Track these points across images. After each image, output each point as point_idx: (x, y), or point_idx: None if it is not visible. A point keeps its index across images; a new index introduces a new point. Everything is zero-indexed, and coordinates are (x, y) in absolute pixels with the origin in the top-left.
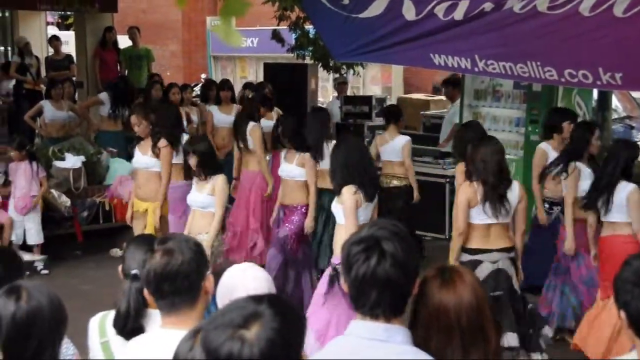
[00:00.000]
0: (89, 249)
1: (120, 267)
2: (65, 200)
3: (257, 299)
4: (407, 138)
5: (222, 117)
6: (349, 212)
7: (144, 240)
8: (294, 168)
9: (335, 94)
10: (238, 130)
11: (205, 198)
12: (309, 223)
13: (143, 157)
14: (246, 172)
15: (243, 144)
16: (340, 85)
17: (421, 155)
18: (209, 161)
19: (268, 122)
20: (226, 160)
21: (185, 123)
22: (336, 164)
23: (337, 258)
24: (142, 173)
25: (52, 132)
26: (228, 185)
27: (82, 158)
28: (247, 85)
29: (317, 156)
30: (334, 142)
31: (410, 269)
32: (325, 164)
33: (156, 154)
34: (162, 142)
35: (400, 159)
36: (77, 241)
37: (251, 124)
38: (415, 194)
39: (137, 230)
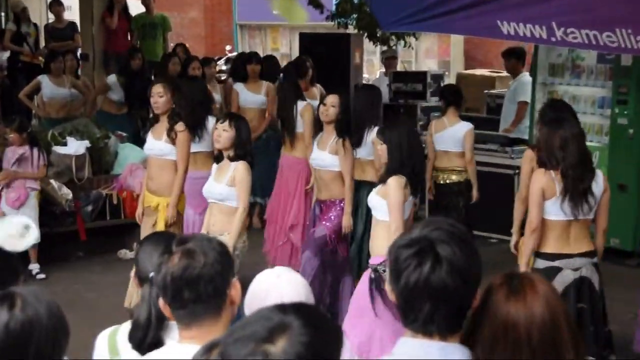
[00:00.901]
0: (93, 250)
1: (133, 271)
2: (66, 193)
3: (283, 308)
4: (469, 125)
5: (250, 96)
6: (396, 207)
7: (162, 238)
8: (327, 156)
9: (383, 69)
10: (284, 110)
11: (222, 189)
12: (346, 221)
13: (157, 143)
14: (289, 158)
15: (289, 127)
16: (389, 60)
17: (485, 142)
18: (244, 141)
19: (311, 102)
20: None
21: None
22: (389, 149)
23: (377, 258)
24: (155, 161)
25: (51, 112)
26: (250, 173)
27: (86, 143)
28: (268, 59)
29: (356, 143)
30: (376, 128)
31: (471, 277)
32: (364, 153)
33: (172, 139)
34: (180, 126)
35: (460, 149)
36: (79, 240)
37: (301, 103)
38: (474, 193)
39: (146, 229)
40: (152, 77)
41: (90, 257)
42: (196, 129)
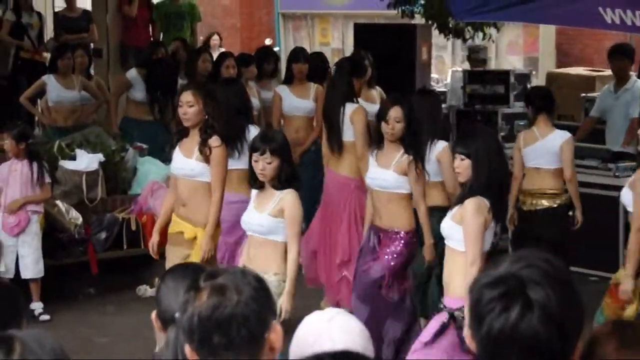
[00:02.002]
0: (107, 286)
1: (154, 312)
2: (75, 217)
3: (335, 358)
4: (567, 135)
5: (296, 102)
6: (473, 235)
7: (188, 271)
8: (391, 176)
9: (457, 68)
10: (330, 115)
11: (265, 220)
12: (429, 254)
13: (187, 161)
14: (336, 175)
15: (336, 136)
16: (476, 61)
17: (582, 157)
18: (289, 166)
19: (369, 106)
20: (301, 163)
21: None
22: (474, 164)
23: (452, 299)
24: (184, 183)
25: (58, 119)
26: (301, 204)
27: (99, 157)
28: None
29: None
30: (441, 143)
31: (569, 326)
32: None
33: (205, 156)
34: (214, 140)
35: (554, 166)
36: (90, 274)
37: (350, 105)
38: (578, 216)
39: (173, 262)
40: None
41: (103, 294)
42: (234, 142)
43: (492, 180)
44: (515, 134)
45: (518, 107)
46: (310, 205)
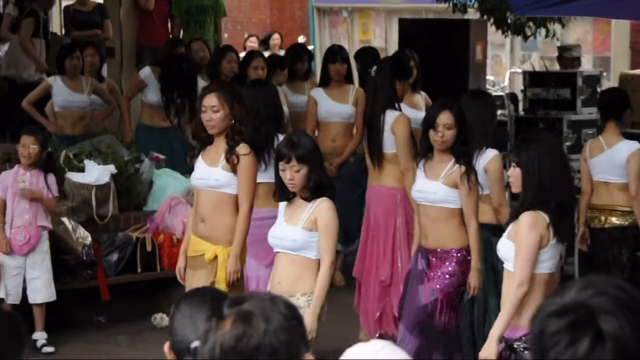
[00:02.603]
0: (119, 314)
1: (167, 344)
2: (83, 236)
3: None
4: (634, 146)
5: (333, 106)
6: (526, 253)
7: (207, 297)
8: (441, 188)
9: (516, 69)
10: (370, 123)
11: (298, 234)
12: (474, 280)
13: (212, 171)
14: (378, 190)
15: (375, 147)
16: (568, 60)
17: None
18: (319, 173)
19: (413, 112)
20: (338, 176)
21: None
22: (524, 173)
23: (511, 328)
24: (206, 195)
25: (64, 126)
26: (336, 214)
27: (110, 168)
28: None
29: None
30: (491, 151)
31: None
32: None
33: (233, 165)
34: (243, 148)
35: (623, 179)
36: (100, 301)
37: (392, 113)
38: None
39: (190, 284)
40: (199, 77)
41: (115, 323)
42: (262, 152)
43: (548, 192)
44: (582, 143)
45: (586, 113)
46: (348, 224)
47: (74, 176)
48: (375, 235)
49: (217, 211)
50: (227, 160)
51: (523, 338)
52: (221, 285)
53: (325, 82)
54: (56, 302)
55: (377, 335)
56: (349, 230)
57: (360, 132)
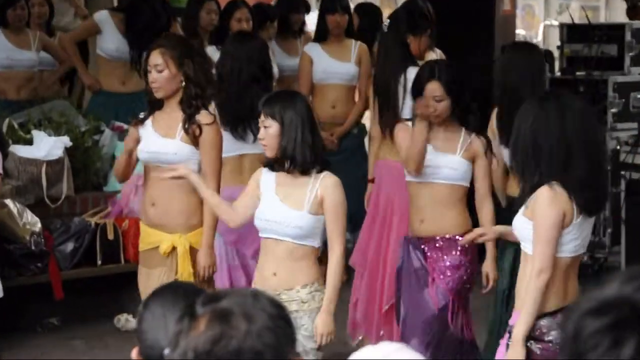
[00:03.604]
0: (75, 315)
1: (135, 349)
2: (31, 221)
3: None
4: None
5: (333, 65)
6: (543, 233)
7: (178, 293)
8: (461, 163)
9: (551, 21)
10: (383, 87)
11: (306, 220)
12: (492, 270)
13: (166, 143)
14: (393, 165)
15: (392, 114)
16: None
17: None
18: (310, 139)
19: None
20: (339, 150)
21: None
22: (540, 143)
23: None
24: (160, 172)
25: (8, 89)
26: (344, 192)
27: (65, 141)
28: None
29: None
30: None
31: None
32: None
33: (193, 136)
34: (206, 117)
35: None
36: (53, 300)
37: (414, 70)
38: None
39: (146, 287)
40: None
41: (70, 326)
42: (248, 120)
43: (567, 160)
44: (631, 110)
45: (636, 73)
46: (352, 207)
47: (19, 150)
48: (387, 218)
49: (173, 192)
50: (186, 131)
51: (538, 330)
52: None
53: (322, 37)
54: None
55: (381, 333)
56: (354, 213)
57: (364, 96)
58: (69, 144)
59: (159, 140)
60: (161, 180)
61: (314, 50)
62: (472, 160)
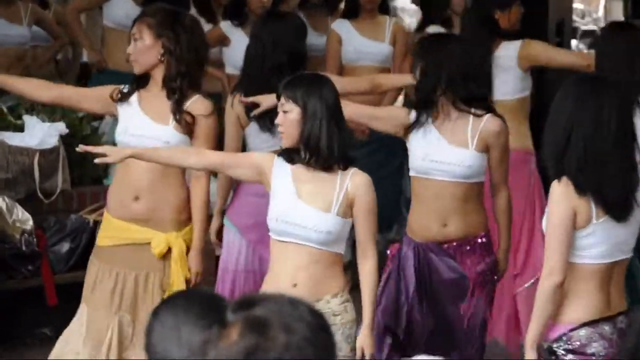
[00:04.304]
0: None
1: None
2: (22, 219)
3: None
4: None
5: (364, 45)
6: (553, 231)
7: (193, 300)
8: (474, 158)
9: None
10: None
11: (334, 224)
12: (503, 262)
13: (158, 129)
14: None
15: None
16: None
17: None
18: (336, 130)
19: None
20: (371, 140)
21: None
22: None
23: (556, 326)
24: (147, 162)
25: None
26: (375, 192)
27: (60, 128)
28: None
29: None
30: None
31: None
32: None
33: (186, 124)
34: (202, 103)
35: None
36: (46, 307)
37: (509, 43)
38: None
39: (124, 289)
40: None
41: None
42: (270, 112)
43: (564, 149)
44: None
45: None
46: (383, 205)
47: (9, 137)
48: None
49: (161, 184)
50: (178, 120)
51: (564, 338)
52: (178, 286)
53: (352, 13)
54: None
55: None
56: (384, 212)
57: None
58: (65, 131)
59: (149, 125)
60: (146, 170)
61: (343, 28)
62: (488, 149)
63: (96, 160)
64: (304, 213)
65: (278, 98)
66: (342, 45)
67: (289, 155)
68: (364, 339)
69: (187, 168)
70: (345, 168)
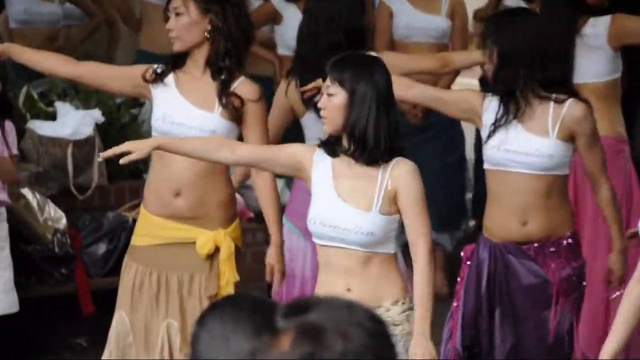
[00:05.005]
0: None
1: None
2: (55, 217)
3: None
4: None
5: (418, 19)
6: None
7: (243, 306)
8: (556, 146)
9: None
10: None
11: (377, 224)
12: (618, 266)
13: (201, 115)
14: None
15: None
16: None
17: None
18: (386, 120)
19: None
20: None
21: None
22: None
23: None
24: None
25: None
26: (421, 180)
27: (96, 115)
28: None
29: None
30: None
31: None
32: None
33: (234, 111)
34: (249, 86)
35: None
36: (80, 315)
37: (597, 19)
38: None
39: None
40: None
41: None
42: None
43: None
44: None
45: None
46: (446, 203)
47: (40, 126)
48: (582, 210)
49: (205, 178)
50: (224, 105)
51: None
52: (228, 288)
53: None
54: (13, 317)
55: None
56: (447, 210)
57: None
58: (101, 119)
59: (193, 112)
60: (195, 165)
61: (395, 1)
62: (572, 139)
63: (122, 161)
64: (344, 214)
65: (323, 79)
66: (393, 20)
67: (332, 146)
68: (419, 348)
69: (216, 162)
70: (389, 160)
